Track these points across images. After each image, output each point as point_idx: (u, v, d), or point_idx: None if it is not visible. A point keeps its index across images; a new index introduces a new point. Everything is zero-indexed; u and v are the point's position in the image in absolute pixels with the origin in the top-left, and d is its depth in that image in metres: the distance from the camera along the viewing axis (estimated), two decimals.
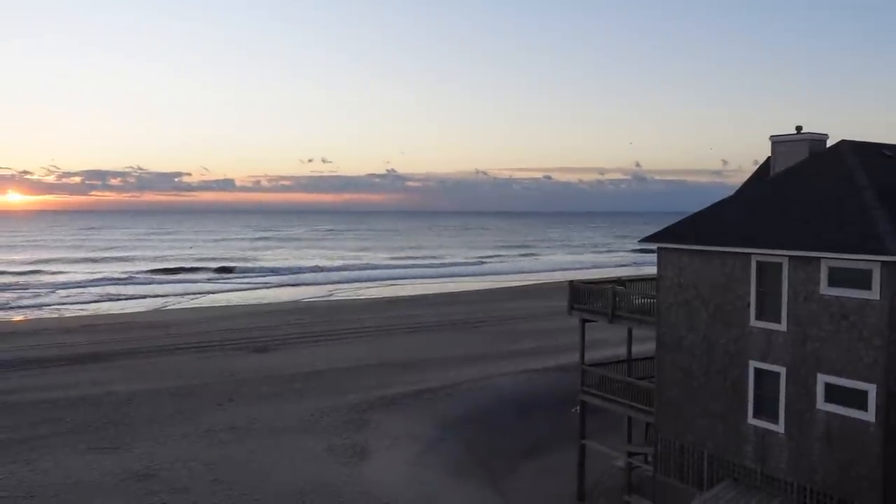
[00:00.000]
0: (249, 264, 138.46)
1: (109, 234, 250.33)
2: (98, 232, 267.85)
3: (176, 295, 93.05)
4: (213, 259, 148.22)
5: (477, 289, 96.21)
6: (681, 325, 22.99)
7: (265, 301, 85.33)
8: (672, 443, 23.51)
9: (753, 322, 20.73)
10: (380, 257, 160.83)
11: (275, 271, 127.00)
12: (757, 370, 20.69)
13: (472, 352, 48.71)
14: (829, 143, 23.73)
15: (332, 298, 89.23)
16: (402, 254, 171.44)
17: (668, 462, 23.73)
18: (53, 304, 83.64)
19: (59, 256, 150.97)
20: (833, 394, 18.81)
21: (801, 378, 19.51)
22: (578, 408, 28.88)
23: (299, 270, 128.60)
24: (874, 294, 17.79)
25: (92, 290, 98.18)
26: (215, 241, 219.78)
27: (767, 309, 20.36)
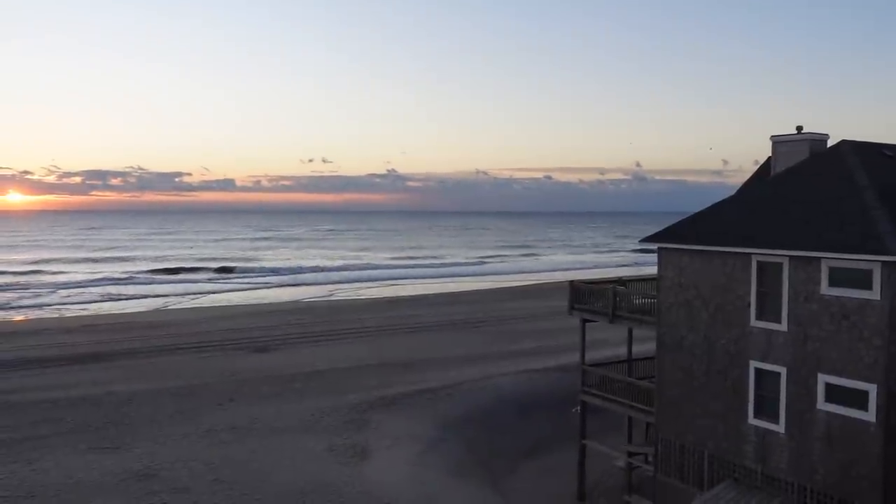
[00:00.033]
0: (250, 264, 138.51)
1: (110, 234, 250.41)
2: (98, 232, 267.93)
3: (176, 295, 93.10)
4: (214, 259, 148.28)
5: (477, 289, 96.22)
6: (681, 325, 22.98)
7: (266, 301, 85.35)
8: (672, 443, 23.51)
9: (754, 322, 20.73)
10: (380, 257, 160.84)
11: (275, 271, 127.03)
12: (757, 370, 20.69)
13: (473, 352, 48.71)
14: (829, 143, 23.73)
15: (332, 298, 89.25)
16: (403, 254, 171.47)
17: (668, 462, 23.73)
18: (54, 304, 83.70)
19: (59, 256, 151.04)
20: (833, 394, 18.81)
21: (801, 378, 19.51)
22: (579, 408, 28.88)
23: (300, 270, 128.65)
24: (875, 294, 17.79)
25: (92, 290, 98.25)
26: (216, 241, 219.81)
27: (768, 309, 20.36)
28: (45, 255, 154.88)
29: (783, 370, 19.93)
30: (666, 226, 24.34)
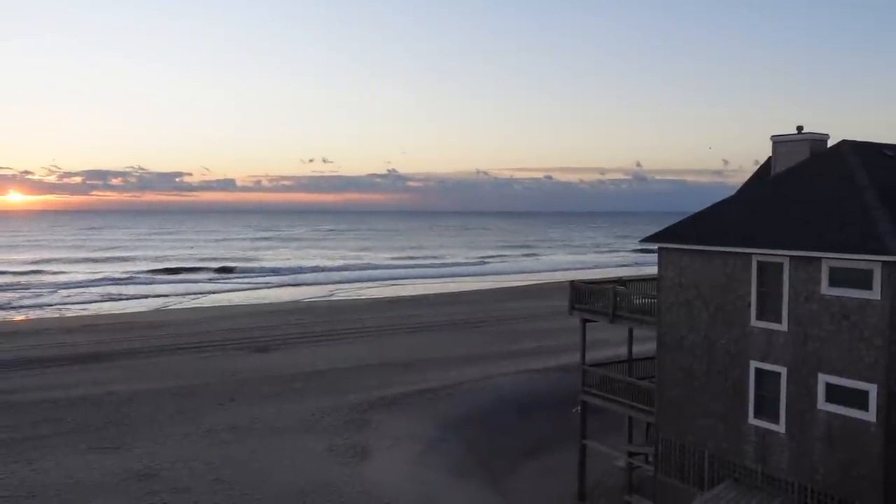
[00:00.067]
0: (250, 264, 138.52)
1: (110, 234, 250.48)
2: (99, 232, 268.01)
3: (177, 295, 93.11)
4: (214, 259, 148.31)
5: (478, 289, 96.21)
6: (681, 325, 22.98)
7: (266, 301, 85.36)
8: (673, 443, 23.51)
9: (754, 322, 20.73)
10: (381, 257, 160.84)
11: (276, 271, 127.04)
12: (758, 370, 20.69)
13: (473, 352, 48.70)
14: (829, 143, 23.72)
15: (333, 298, 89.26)
16: (403, 254, 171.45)
17: (668, 462, 23.72)
18: (54, 304, 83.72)
19: (60, 256, 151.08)
20: (834, 394, 18.81)
21: (801, 378, 19.51)
22: (579, 408, 28.88)
23: (300, 270, 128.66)
24: (875, 294, 17.79)
25: (93, 289, 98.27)
26: (216, 241, 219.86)
27: (768, 309, 20.36)
28: (46, 255, 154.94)
29: (783, 370, 19.93)
30: (666, 226, 24.34)
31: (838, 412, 18.69)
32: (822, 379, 19.00)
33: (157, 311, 77.01)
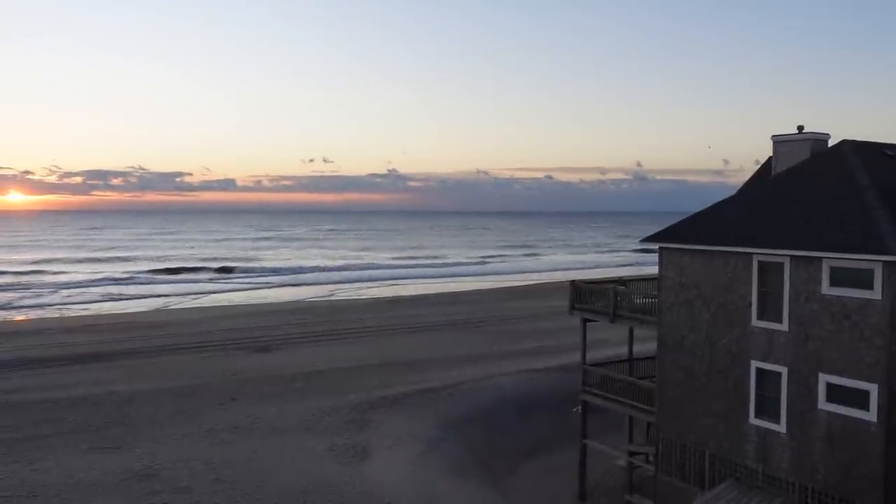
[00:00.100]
0: (251, 264, 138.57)
1: (111, 234, 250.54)
2: (100, 232, 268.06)
3: (177, 295, 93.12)
4: (215, 259, 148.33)
5: (478, 289, 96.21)
6: (682, 324, 22.97)
7: (267, 301, 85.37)
8: (673, 442, 23.50)
9: (755, 322, 20.72)
10: (381, 257, 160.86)
11: (276, 271, 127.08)
12: (758, 370, 20.68)
13: (474, 351, 48.71)
14: (830, 143, 23.71)
15: (333, 298, 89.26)
16: (404, 254, 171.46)
17: (669, 462, 23.72)
18: (55, 304, 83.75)
19: (60, 256, 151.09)
20: (834, 394, 18.80)
21: (802, 378, 19.50)
22: (580, 407, 28.87)
23: (301, 270, 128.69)
24: (876, 294, 17.78)
25: (94, 289, 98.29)
26: (217, 241, 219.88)
27: (769, 309, 20.35)
28: (47, 255, 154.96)
29: (784, 370, 19.92)
30: (667, 225, 24.33)
31: (839, 412, 18.68)
32: (823, 379, 18.99)
33: (157, 310, 77.03)
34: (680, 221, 23.88)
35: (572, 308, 29.00)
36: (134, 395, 37.61)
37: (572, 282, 29.72)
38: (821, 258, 18.88)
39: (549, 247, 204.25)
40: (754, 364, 20.76)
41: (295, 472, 27.02)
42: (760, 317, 20.57)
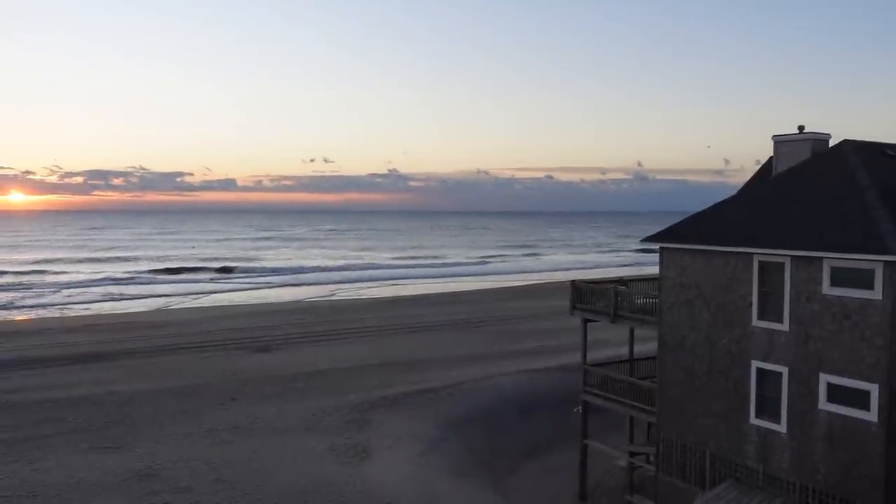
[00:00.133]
0: (251, 264, 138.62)
1: (112, 234, 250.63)
2: (100, 232, 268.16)
3: (178, 295, 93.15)
4: (216, 259, 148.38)
5: (479, 288, 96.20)
6: (683, 324, 22.96)
7: (267, 301, 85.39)
8: (674, 442, 23.49)
9: (755, 322, 20.71)
10: (382, 257, 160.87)
11: (277, 271, 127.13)
12: (759, 370, 20.67)
13: (474, 351, 48.70)
14: (831, 143, 23.70)
15: (334, 298, 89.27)
16: (404, 254, 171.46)
17: (670, 462, 23.71)
18: (56, 304, 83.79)
19: (61, 256, 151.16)
20: (835, 394, 18.79)
21: (803, 378, 19.49)
22: (580, 407, 28.87)
23: (301, 270, 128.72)
24: (876, 294, 17.77)
25: (94, 289, 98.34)
26: (217, 240, 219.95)
27: (769, 309, 20.33)
28: (48, 254, 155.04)
29: (785, 370, 19.91)
30: (667, 225, 24.32)
31: (839, 412, 18.67)
32: (824, 379, 18.98)
33: (158, 310, 77.06)
34: (681, 221, 23.88)
35: (573, 308, 29.00)
36: (134, 395, 37.62)
37: (573, 282, 29.72)
38: (821, 258, 18.87)
39: (550, 247, 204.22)
40: (755, 364, 20.75)
41: (295, 472, 27.03)
42: (761, 317, 20.56)
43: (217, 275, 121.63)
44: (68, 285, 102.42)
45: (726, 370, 21.61)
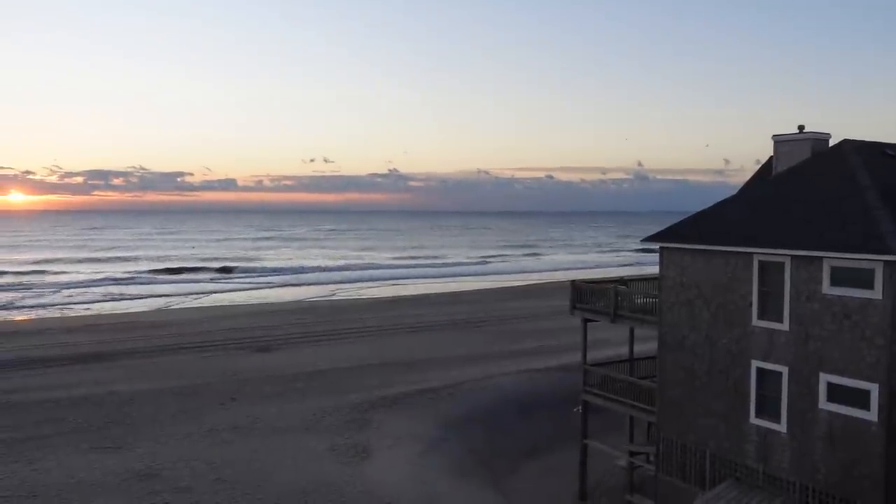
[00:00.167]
0: (252, 264, 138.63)
1: (112, 234, 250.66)
2: (101, 232, 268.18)
3: (179, 295, 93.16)
4: (216, 259, 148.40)
5: (479, 288, 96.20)
6: (683, 324, 22.97)
7: (268, 301, 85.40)
8: (674, 442, 23.50)
9: (755, 321, 20.71)
10: (382, 257, 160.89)
11: (277, 271, 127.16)
12: (759, 370, 20.67)
13: (474, 351, 48.71)
14: (831, 143, 23.70)
15: (334, 298, 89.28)
16: (405, 254, 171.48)
17: (670, 461, 23.71)
18: (56, 304, 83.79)
19: (61, 256, 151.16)
20: (835, 393, 18.79)
21: (803, 377, 19.49)
22: (580, 407, 28.87)
23: (301, 270, 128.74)
24: (877, 294, 17.77)
25: (95, 289, 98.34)
26: (218, 240, 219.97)
27: (770, 308, 20.34)
28: (48, 255, 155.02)
29: (785, 370, 19.91)
30: (668, 225, 24.32)
31: (840, 412, 18.67)
32: (824, 378, 18.98)
33: (158, 310, 77.06)
34: (681, 221, 23.88)
35: (573, 308, 29.00)
36: (135, 395, 37.63)
37: (573, 282, 29.72)
38: (821, 258, 18.87)
39: (550, 247, 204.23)
40: (755, 364, 20.75)
41: (296, 472, 27.03)
42: (761, 316, 20.57)
43: (217, 275, 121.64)
44: (68, 285, 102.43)
45: (726, 370, 21.61)
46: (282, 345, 52.38)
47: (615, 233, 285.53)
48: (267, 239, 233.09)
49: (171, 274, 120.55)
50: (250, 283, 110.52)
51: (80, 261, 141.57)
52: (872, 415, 17.95)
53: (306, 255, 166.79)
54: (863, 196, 19.62)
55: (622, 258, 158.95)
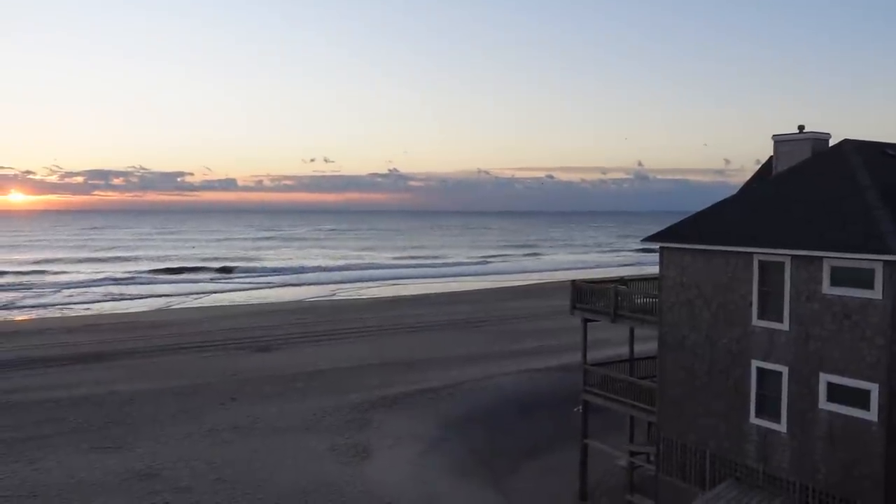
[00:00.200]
0: (252, 264, 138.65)
1: (112, 234, 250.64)
2: (101, 232, 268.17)
3: (179, 295, 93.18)
4: (216, 259, 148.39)
5: (479, 288, 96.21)
6: (683, 324, 22.97)
7: (268, 301, 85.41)
8: (674, 442, 23.50)
9: (756, 321, 20.71)
10: (382, 257, 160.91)
11: (277, 271, 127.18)
12: (759, 369, 20.67)
13: (475, 351, 48.71)
14: (831, 143, 23.70)
15: (334, 298, 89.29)
16: (405, 253, 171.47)
17: (670, 461, 23.72)
18: (57, 304, 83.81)
19: (62, 256, 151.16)
20: (835, 393, 18.79)
21: (803, 377, 19.49)
22: (581, 407, 28.88)
23: (302, 270, 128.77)
24: (877, 293, 17.77)
25: (95, 289, 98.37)
26: (218, 240, 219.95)
27: (770, 308, 20.34)
28: (48, 254, 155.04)
29: (785, 369, 19.91)
30: (668, 225, 24.32)
31: (840, 412, 18.67)
32: (824, 378, 18.98)
33: (159, 310, 77.07)
34: (681, 221, 23.88)
35: (573, 308, 29.00)
36: (135, 395, 37.64)
37: (573, 281, 29.72)
38: (822, 258, 18.87)
39: (550, 246, 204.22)
40: (755, 363, 20.76)
41: (296, 472, 27.04)
42: (761, 316, 20.57)
43: (217, 275, 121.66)
44: (69, 285, 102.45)
45: (726, 370, 21.61)
46: (282, 345, 52.39)
47: (615, 233, 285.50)
48: (267, 239, 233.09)
49: (171, 274, 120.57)
50: (250, 283, 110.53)
51: (81, 261, 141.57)
52: (872, 415, 17.95)
53: (306, 254, 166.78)
54: (863, 196, 19.62)
55: (622, 258, 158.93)
